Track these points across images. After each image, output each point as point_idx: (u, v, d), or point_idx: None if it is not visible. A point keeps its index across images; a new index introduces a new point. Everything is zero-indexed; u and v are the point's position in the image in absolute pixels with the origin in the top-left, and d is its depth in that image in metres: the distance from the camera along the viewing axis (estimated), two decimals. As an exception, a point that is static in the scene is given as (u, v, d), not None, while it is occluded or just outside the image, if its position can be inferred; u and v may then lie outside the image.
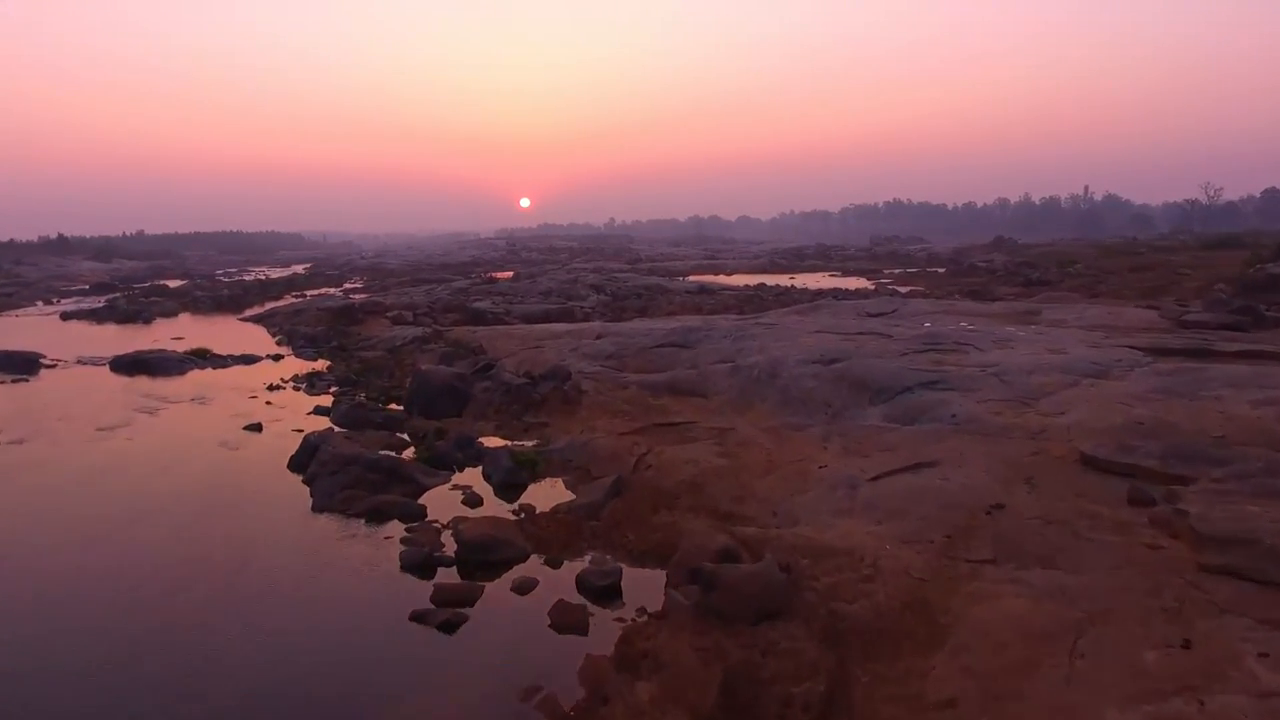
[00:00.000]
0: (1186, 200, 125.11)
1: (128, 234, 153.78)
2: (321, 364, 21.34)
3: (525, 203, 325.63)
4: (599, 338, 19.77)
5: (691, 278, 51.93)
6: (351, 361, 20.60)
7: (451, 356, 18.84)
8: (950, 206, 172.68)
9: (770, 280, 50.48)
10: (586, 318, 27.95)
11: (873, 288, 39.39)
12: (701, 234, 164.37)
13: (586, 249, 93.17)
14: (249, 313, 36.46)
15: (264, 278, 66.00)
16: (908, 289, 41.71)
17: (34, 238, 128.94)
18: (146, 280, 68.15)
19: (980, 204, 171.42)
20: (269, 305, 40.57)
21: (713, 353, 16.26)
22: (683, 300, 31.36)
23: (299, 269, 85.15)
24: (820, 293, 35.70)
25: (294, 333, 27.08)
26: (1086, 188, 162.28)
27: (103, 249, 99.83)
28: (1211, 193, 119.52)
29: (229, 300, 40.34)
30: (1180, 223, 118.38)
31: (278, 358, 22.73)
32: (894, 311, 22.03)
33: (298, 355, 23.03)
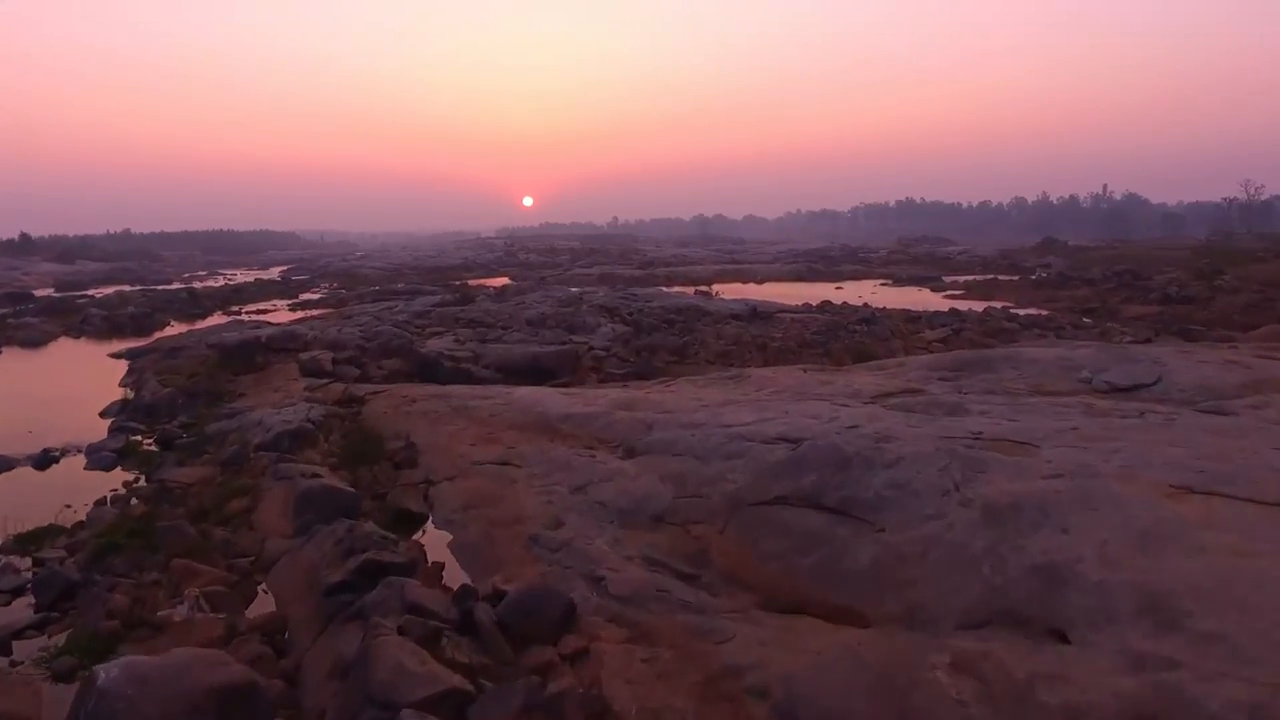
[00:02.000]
0: (1224, 199, 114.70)
1: (112, 232, 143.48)
2: (114, 481, 11.09)
3: (528, 201, 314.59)
4: (630, 454, 9.49)
5: (716, 287, 41.61)
6: (143, 495, 10.30)
7: (320, 503, 8.60)
8: (965, 205, 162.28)
9: (819, 291, 40.15)
10: (597, 365, 17.72)
11: (982, 311, 28.99)
12: (707, 233, 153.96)
13: (590, 250, 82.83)
14: (144, 341, 26.13)
15: (227, 283, 55.99)
16: (1006, 308, 31.48)
17: (16, 235, 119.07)
18: (94, 285, 58.36)
19: (995, 203, 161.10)
20: (197, 324, 30.50)
21: (949, 559, 5.99)
22: (735, 332, 21.07)
23: (277, 271, 75.37)
24: (912, 316, 25.41)
25: (143, 389, 16.85)
26: (1106, 186, 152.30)
27: (67, 250, 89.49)
28: (1252, 190, 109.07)
29: (131, 321, 30.06)
30: (1220, 222, 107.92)
31: (49, 460, 12.43)
32: (1155, 384, 11.74)
33: (92, 455, 12.68)
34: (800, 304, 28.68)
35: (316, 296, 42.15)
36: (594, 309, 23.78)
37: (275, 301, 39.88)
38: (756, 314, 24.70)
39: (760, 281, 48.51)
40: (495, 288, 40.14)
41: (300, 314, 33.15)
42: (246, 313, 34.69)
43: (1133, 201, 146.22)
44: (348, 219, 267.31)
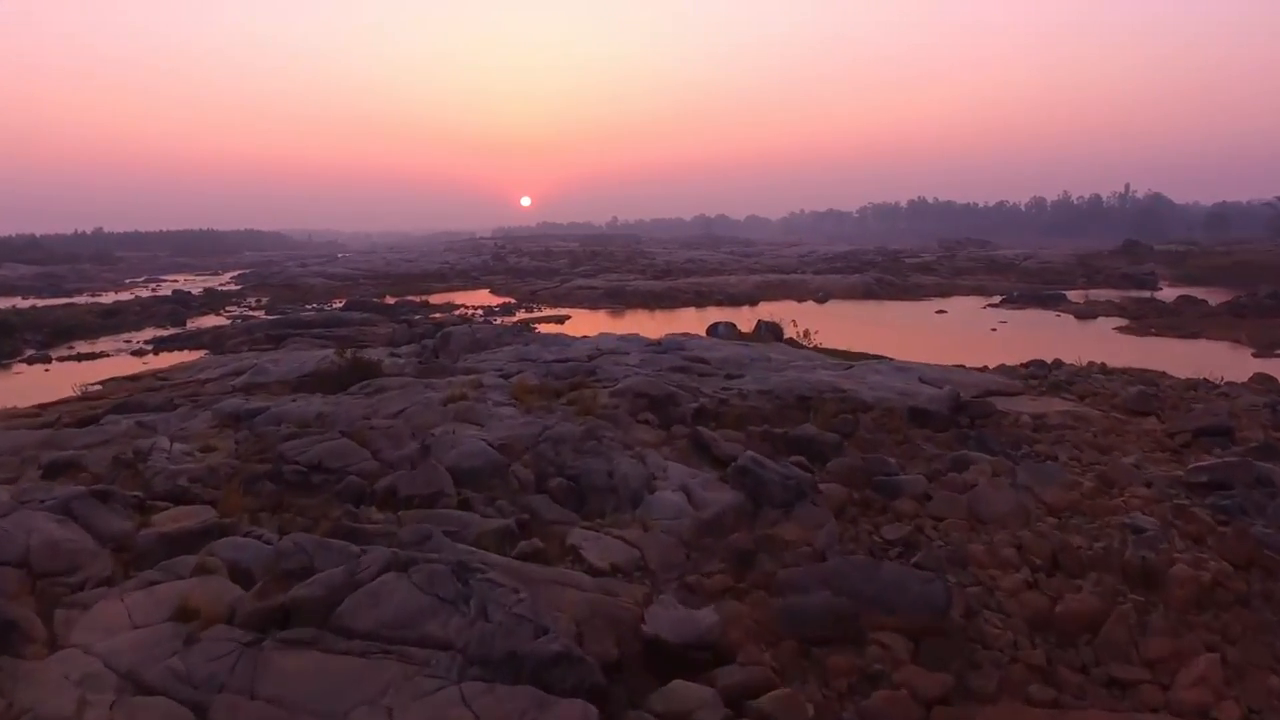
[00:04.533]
0: (1277, 197, 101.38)
1: (81, 231, 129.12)
2: None
3: (526, 201, 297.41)
4: None
5: (768, 310, 28.09)
6: None
7: None
8: (981, 205, 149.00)
9: (911, 315, 27.17)
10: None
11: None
12: (712, 234, 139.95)
13: (591, 253, 69.14)
14: None
15: (144, 294, 42.44)
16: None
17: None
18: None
19: (1011, 203, 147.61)
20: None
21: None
22: (1008, 506, 7.45)
23: (228, 277, 62.46)
24: None
25: None
26: (1128, 185, 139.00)
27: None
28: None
29: None
30: (1273, 221, 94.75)
31: None
32: None
33: None
34: (993, 367, 15.19)
35: (211, 324, 28.46)
36: (627, 404, 10.22)
37: (137, 335, 26.21)
38: (964, 410, 11.21)
39: (822, 300, 34.97)
40: (457, 320, 26.62)
41: (138, 366, 19.68)
42: (57, 363, 21.08)
43: (1158, 201, 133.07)
44: (345, 219, 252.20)
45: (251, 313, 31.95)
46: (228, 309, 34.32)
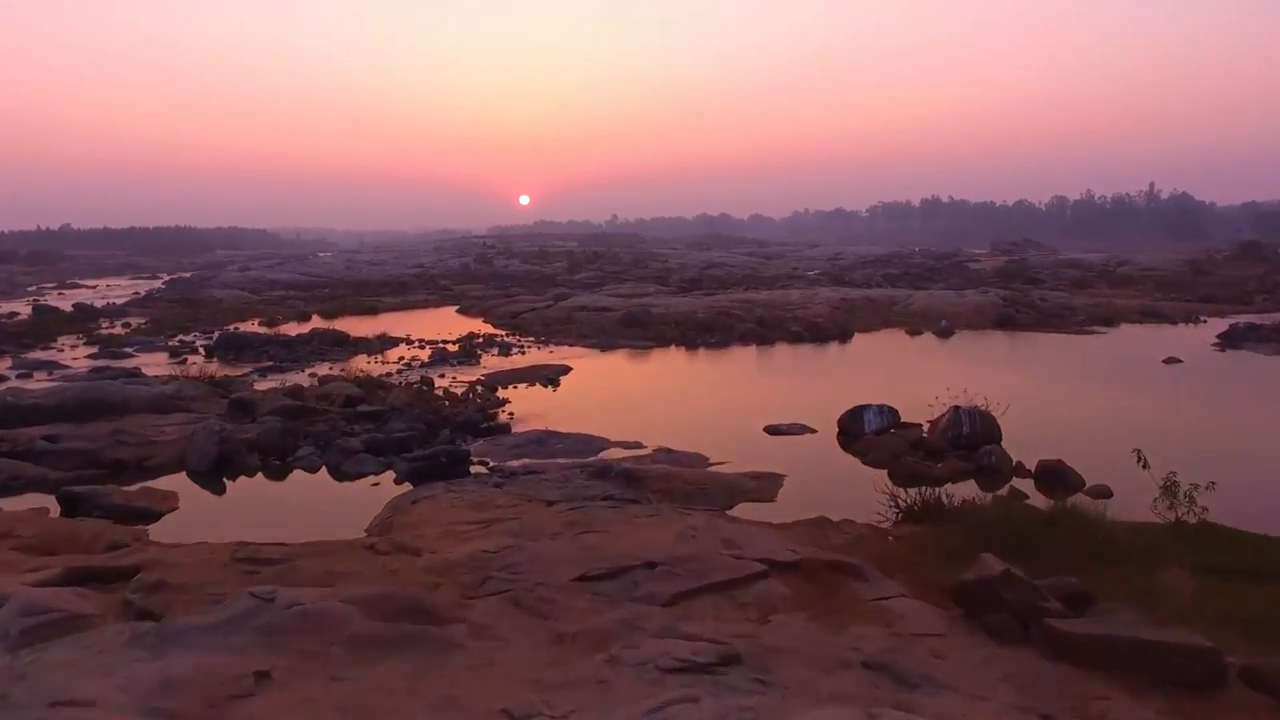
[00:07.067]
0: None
1: (46, 228, 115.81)
2: None
3: (525, 200, 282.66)
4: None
5: (870, 348, 15.79)
6: None
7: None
8: (999, 204, 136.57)
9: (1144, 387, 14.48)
10: None
11: None
12: (716, 232, 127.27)
13: (592, 255, 56.56)
14: None
15: (17, 307, 30.06)
16: None
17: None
18: None
19: (1030, 201, 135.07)
20: None
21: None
22: None
23: (162, 279, 50.98)
24: None
25: None
26: (1152, 184, 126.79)
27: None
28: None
29: None
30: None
31: None
32: None
33: None
34: None
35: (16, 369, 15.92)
36: None
37: None
38: None
39: (945, 333, 22.51)
40: (369, 380, 13.80)
41: None
42: None
43: (1188, 201, 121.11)
44: (342, 217, 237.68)
45: (69, 357, 19.48)
46: (48, 346, 21.67)
